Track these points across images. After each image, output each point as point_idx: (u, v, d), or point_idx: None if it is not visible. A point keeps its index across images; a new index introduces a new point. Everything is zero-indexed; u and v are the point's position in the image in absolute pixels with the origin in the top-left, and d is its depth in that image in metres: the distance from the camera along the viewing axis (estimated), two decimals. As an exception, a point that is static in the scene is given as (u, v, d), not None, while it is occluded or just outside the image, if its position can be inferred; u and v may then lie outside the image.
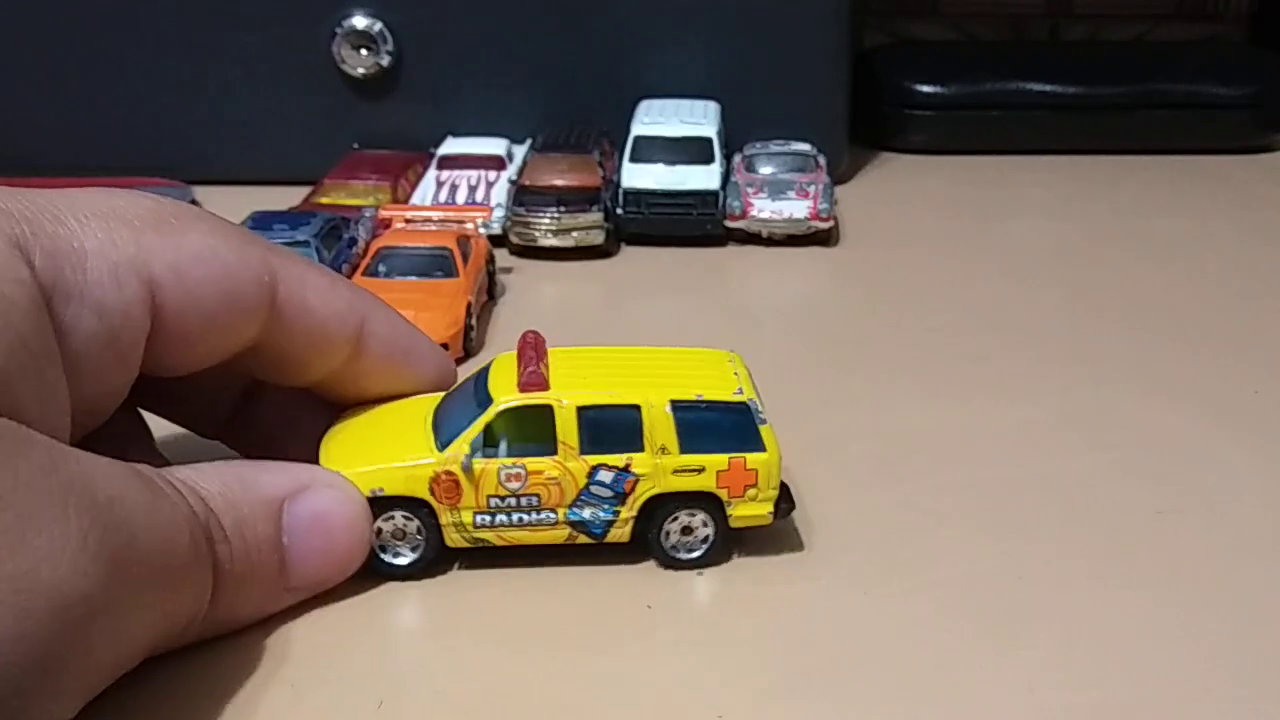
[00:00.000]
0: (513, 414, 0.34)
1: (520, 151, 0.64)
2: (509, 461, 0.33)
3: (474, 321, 0.49)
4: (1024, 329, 0.51)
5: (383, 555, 0.34)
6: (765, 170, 0.61)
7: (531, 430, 0.34)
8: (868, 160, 0.72)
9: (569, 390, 0.34)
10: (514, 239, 0.58)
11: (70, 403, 0.29)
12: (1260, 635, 0.32)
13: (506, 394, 0.34)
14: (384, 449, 0.34)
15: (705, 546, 0.35)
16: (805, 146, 0.63)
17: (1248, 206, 0.66)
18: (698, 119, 0.62)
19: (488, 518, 0.34)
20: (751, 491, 0.35)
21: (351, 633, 0.32)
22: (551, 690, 0.30)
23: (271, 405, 0.37)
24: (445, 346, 0.46)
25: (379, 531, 0.34)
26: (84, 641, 0.25)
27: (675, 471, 0.34)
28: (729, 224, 0.59)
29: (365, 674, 0.30)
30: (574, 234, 0.57)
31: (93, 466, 0.27)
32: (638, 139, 0.61)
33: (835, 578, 0.34)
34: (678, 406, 0.34)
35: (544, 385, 0.34)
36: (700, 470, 0.34)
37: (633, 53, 0.66)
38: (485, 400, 0.34)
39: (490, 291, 0.53)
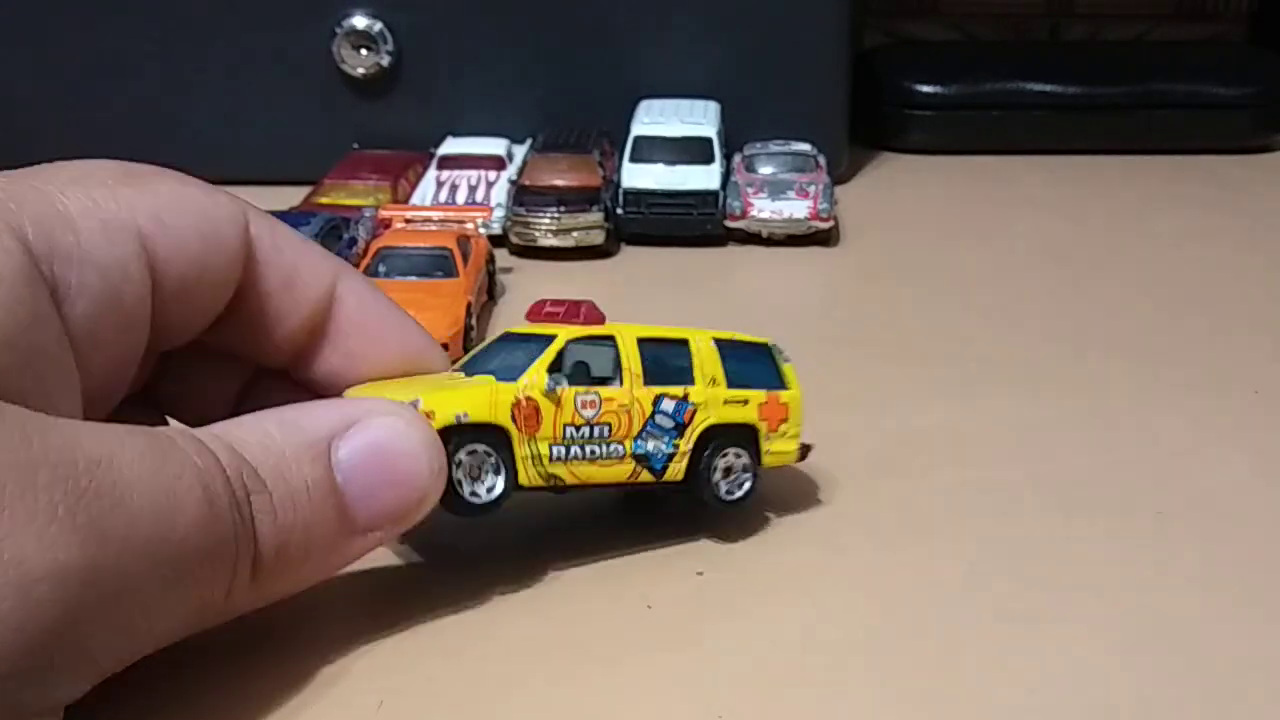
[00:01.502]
0: (575, 355, 0.34)
1: (520, 151, 0.64)
2: (584, 389, 0.34)
3: (474, 321, 0.49)
4: (1024, 328, 0.51)
5: (460, 491, 0.32)
6: (765, 170, 0.61)
7: (591, 368, 0.34)
8: (868, 160, 0.72)
9: (622, 325, 0.35)
10: (514, 239, 0.58)
11: (81, 376, 0.28)
12: (1261, 636, 0.32)
13: (560, 330, 0.34)
14: (443, 389, 0.32)
15: (747, 485, 0.36)
16: (805, 146, 0.63)
17: (1248, 206, 0.66)
18: (698, 119, 0.62)
19: (563, 450, 0.33)
20: (784, 427, 0.37)
21: (351, 633, 0.32)
22: (551, 690, 0.30)
23: (269, 403, 0.37)
24: (445, 346, 0.46)
25: (459, 464, 0.32)
26: (71, 617, 0.24)
27: (726, 402, 0.36)
28: (729, 224, 0.59)
29: (365, 674, 0.30)
30: (574, 234, 0.57)
31: (76, 432, 0.26)
32: (638, 139, 0.61)
33: (835, 577, 0.34)
34: (718, 343, 0.36)
35: (603, 318, 0.35)
36: (745, 402, 0.36)
37: (633, 53, 0.66)
38: (537, 338, 0.34)
39: (490, 291, 0.53)
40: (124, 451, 0.26)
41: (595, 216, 0.57)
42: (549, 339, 0.34)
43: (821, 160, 0.62)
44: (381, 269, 0.50)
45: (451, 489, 0.32)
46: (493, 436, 0.32)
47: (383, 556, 0.34)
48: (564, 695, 0.30)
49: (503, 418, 0.32)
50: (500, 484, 0.32)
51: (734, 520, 0.36)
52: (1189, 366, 0.47)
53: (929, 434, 0.42)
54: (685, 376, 0.35)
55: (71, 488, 0.25)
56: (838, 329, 0.52)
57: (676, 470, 0.35)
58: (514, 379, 0.33)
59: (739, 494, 0.36)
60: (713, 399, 0.35)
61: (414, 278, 0.50)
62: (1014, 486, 0.39)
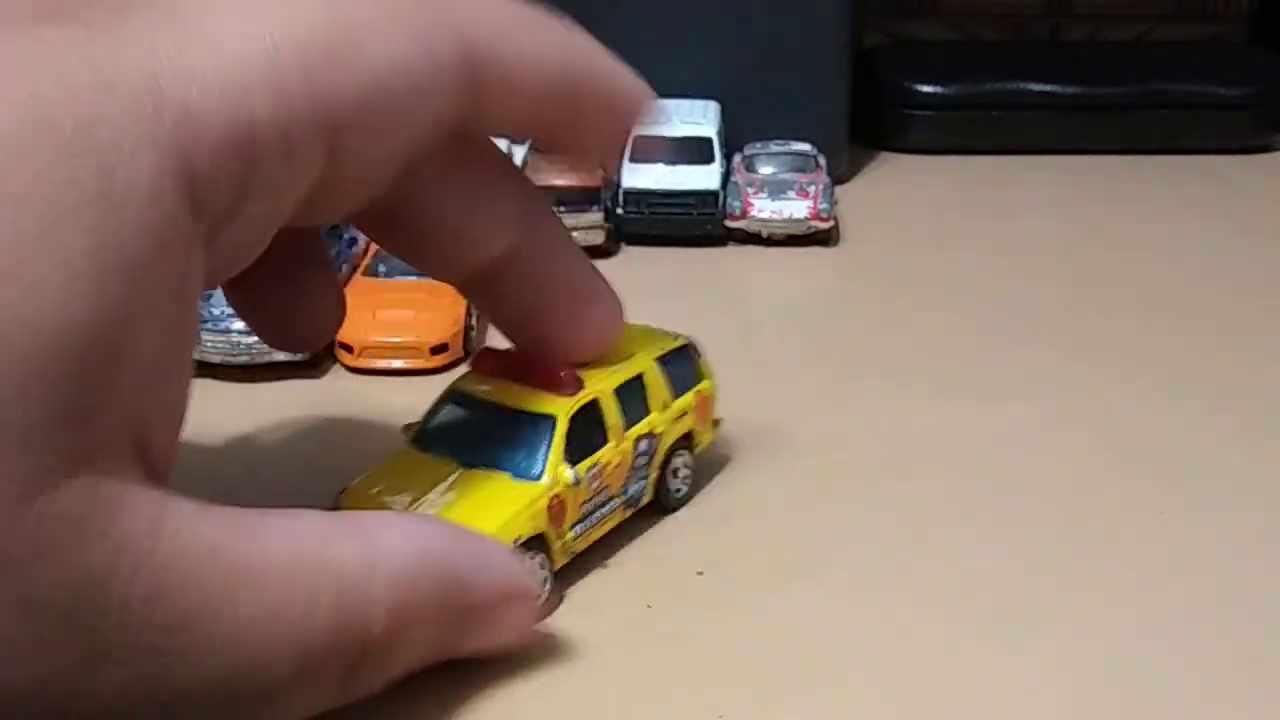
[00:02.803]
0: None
1: (520, 151, 0.64)
2: (589, 462, 0.34)
3: (474, 322, 0.49)
4: (1024, 329, 0.51)
5: None
6: (765, 170, 0.61)
7: (580, 430, 0.34)
8: (868, 160, 0.72)
9: (591, 379, 0.34)
10: (514, 239, 0.58)
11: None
12: (1262, 636, 0.32)
13: (551, 404, 0.33)
14: (465, 503, 0.32)
15: (688, 484, 0.38)
16: (805, 146, 0.63)
17: (1248, 206, 0.66)
18: (698, 119, 0.62)
19: (580, 526, 0.34)
20: (708, 418, 0.39)
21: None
22: (552, 690, 0.30)
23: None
24: (445, 346, 0.47)
25: None
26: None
27: (675, 420, 0.37)
28: (729, 224, 0.59)
29: (365, 674, 0.30)
30: (574, 234, 0.57)
31: None
32: (638, 139, 0.61)
33: (836, 578, 0.34)
34: (658, 360, 0.36)
35: (582, 383, 0.34)
36: (685, 413, 0.37)
37: (633, 53, 0.65)
38: (530, 417, 0.33)
39: (490, 291, 0.53)
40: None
41: (595, 216, 0.57)
42: (540, 418, 0.33)
43: (821, 160, 0.62)
44: (382, 269, 0.50)
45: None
46: (537, 543, 0.32)
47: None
48: (564, 695, 0.30)
49: (543, 524, 0.32)
50: (549, 579, 0.33)
51: (734, 520, 0.36)
52: (1189, 366, 0.47)
53: (929, 435, 0.42)
54: (644, 408, 0.36)
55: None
56: (838, 329, 0.52)
57: (648, 496, 0.36)
58: (533, 475, 0.32)
59: (686, 489, 0.38)
60: (667, 421, 0.36)
61: (414, 277, 0.50)
62: (1015, 487, 0.39)
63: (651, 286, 0.56)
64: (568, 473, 0.33)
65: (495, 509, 0.32)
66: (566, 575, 0.34)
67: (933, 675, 0.30)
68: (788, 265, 0.58)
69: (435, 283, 0.49)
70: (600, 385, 0.34)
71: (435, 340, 0.46)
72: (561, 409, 0.33)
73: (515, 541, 0.32)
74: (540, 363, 0.34)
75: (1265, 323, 0.51)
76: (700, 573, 0.34)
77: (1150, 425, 0.43)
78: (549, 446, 0.33)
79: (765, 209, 0.59)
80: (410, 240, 0.32)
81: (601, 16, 0.65)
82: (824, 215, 0.59)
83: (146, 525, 0.22)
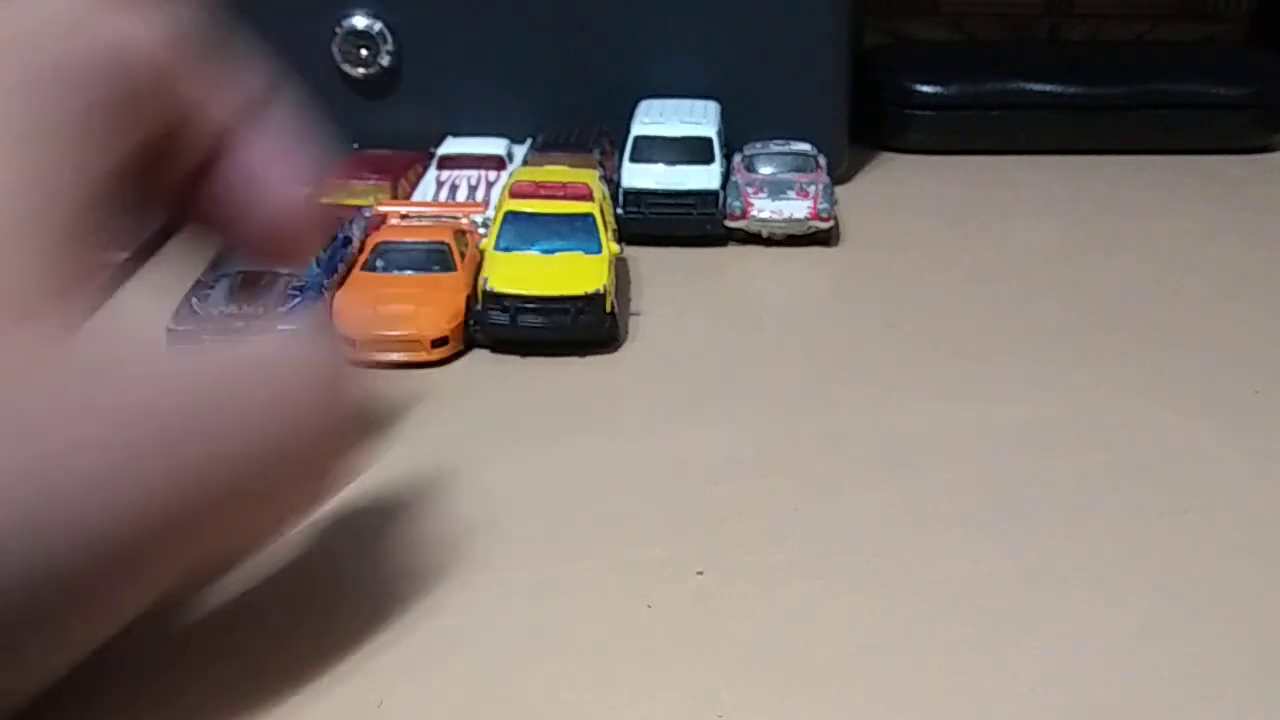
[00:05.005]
0: None
1: (520, 151, 0.64)
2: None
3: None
4: (1024, 329, 0.51)
5: (621, 320, 0.48)
6: (765, 170, 0.61)
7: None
8: (868, 160, 0.72)
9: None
10: (514, 238, 0.58)
11: None
12: (1261, 637, 0.32)
13: (585, 208, 0.50)
14: (568, 270, 0.47)
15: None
16: (805, 146, 0.63)
17: (1248, 206, 0.66)
18: (698, 119, 0.62)
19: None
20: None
21: (352, 633, 0.32)
22: (552, 691, 0.30)
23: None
24: (445, 340, 0.47)
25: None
26: None
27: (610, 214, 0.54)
28: (729, 224, 0.59)
29: (365, 674, 0.30)
30: (574, 234, 0.57)
31: None
32: (638, 139, 0.61)
33: (835, 578, 0.34)
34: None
35: (594, 193, 0.51)
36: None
37: (633, 53, 0.66)
38: (579, 217, 0.49)
39: (489, 289, 0.53)
40: None
41: (595, 216, 0.57)
42: (586, 216, 0.49)
43: (821, 160, 0.62)
44: (380, 264, 0.50)
45: (618, 324, 0.48)
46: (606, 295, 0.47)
47: (383, 555, 0.34)
48: (564, 695, 0.30)
49: (611, 279, 0.47)
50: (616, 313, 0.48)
51: (733, 520, 0.36)
52: (1189, 366, 0.47)
53: (929, 435, 0.42)
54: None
55: None
56: (837, 329, 0.52)
57: None
58: (597, 250, 0.48)
59: None
60: (609, 214, 0.53)
61: (412, 272, 0.50)
62: (1015, 487, 0.39)
63: (651, 286, 0.56)
64: (615, 245, 0.49)
65: (591, 272, 0.47)
66: (566, 577, 0.34)
67: (932, 675, 0.30)
68: (788, 265, 0.58)
69: (434, 276, 0.49)
70: (597, 195, 0.51)
71: (435, 334, 0.47)
72: (594, 209, 0.49)
73: (608, 291, 0.47)
74: (560, 186, 0.50)
75: (1265, 322, 0.51)
76: (700, 572, 0.34)
77: (1148, 426, 0.43)
78: (598, 232, 0.49)
79: (765, 209, 0.59)
80: None
81: (602, 17, 0.65)
82: (824, 215, 0.59)
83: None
